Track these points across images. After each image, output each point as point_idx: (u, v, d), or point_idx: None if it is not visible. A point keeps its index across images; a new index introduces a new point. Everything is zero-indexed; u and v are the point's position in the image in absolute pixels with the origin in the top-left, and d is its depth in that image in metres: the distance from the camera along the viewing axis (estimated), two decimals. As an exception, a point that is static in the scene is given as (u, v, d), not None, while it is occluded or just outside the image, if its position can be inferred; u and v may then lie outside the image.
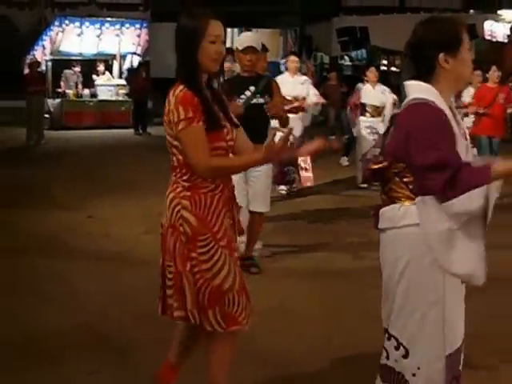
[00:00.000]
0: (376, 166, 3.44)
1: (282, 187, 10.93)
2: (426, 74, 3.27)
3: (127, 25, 22.25)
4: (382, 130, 11.04)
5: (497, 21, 24.77)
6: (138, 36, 22.25)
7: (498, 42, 24.18)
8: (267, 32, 28.54)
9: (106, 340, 5.26)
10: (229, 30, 27.69)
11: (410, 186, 3.28)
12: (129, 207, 9.73)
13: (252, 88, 6.65)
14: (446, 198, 3.12)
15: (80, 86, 21.35)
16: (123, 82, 21.85)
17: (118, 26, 22.07)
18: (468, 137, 3.35)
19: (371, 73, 11.62)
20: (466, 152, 3.24)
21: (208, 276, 3.54)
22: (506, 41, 23.63)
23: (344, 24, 23.50)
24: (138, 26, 22.23)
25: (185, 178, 3.58)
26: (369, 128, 11.36)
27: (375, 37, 23.02)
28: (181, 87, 3.49)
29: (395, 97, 11.26)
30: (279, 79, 11.23)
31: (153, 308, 3.90)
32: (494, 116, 10.92)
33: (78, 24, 21.70)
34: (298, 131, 10.51)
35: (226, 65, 9.81)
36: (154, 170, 11.88)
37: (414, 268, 3.29)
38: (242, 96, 6.59)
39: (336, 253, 7.64)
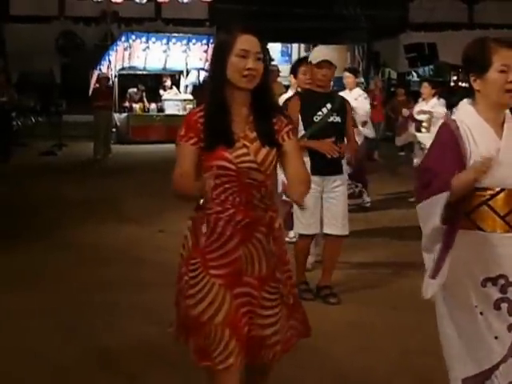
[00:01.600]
0: None
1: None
2: (471, 92, 3.41)
3: (194, 40, 22.30)
4: (428, 144, 10.85)
5: None
6: (205, 51, 22.25)
7: None
8: (334, 48, 28.43)
9: (186, 355, 5.12)
10: (295, 45, 27.79)
11: None
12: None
13: (328, 105, 6.27)
14: (417, 200, 3.35)
15: (146, 102, 21.47)
16: (190, 96, 21.87)
17: (184, 42, 22.14)
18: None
19: (424, 88, 11.41)
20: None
21: (191, 302, 3.35)
22: None
23: (411, 40, 23.28)
24: (204, 41, 22.20)
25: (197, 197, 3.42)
26: (419, 143, 11.26)
27: (444, 53, 22.72)
28: (200, 106, 3.46)
29: (444, 110, 11.00)
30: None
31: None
32: None
33: (144, 39, 21.85)
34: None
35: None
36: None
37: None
38: (319, 113, 6.24)
39: (410, 268, 7.28)
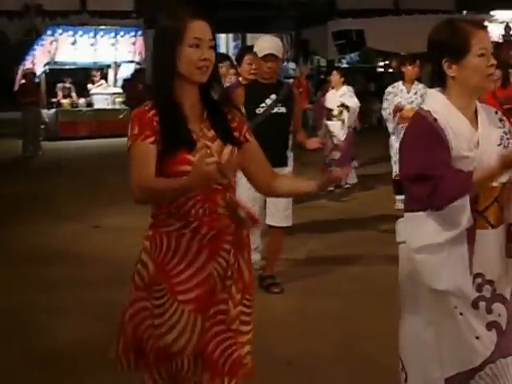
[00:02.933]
0: (398, 178, 3.32)
1: None
2: (439, 80, 3.15)
3: (122, 33, 22.05)
4: (340, 134, 11.07)
5: (491, 21, 24.70)
6: (134, 44, 22.07)
7: (493, 42, 24.12)
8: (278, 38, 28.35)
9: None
10: (223, 35, 27.65)
11: None
12: (136, 215, 9.36)
13: (273, 96, 6.21)
14: (432, 209, 3.00)
15: (75, 96, 21.16)
16: (119, 90, 21.64)
17: (112, 35, 21.88)
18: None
19: (334, 76, 11.47)
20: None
21: (157, 333, 2.96)
22: (501, 41, 23.56)
23: (339, 27, 23.39)
24: (132, 33, 22.01)
25: (152, 212, 3.04)
26: (329, 132, 11.27)
27: (371, 39, 22.93)
28: (148, 102, 2.99)
29: (356, 100, 11.20)
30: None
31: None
32: None
33: (71, 33, 21.53)
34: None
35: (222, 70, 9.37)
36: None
37: (409, 288, 3.20)
38: (262, 104, 6.18)
39: (349, 258, 7.51)
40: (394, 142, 9.25)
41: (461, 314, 3.08)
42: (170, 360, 2.97)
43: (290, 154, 6.42)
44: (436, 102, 3.12)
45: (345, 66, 25.36)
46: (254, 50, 6.42)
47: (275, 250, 6.53)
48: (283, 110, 6.24)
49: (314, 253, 7.76)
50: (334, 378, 4.70)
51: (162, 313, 2.95)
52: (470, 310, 3.08)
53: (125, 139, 3.01)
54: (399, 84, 9.44)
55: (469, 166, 3.00)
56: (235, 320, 3.05)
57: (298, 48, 26.64)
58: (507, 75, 11.29)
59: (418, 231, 3.08)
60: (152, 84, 3.05)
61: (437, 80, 3.17)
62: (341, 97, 11.22)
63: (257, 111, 6.09)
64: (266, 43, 6.36)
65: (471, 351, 3.09)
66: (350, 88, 11.45)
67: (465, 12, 25.45)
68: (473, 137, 3.07)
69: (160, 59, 2.99)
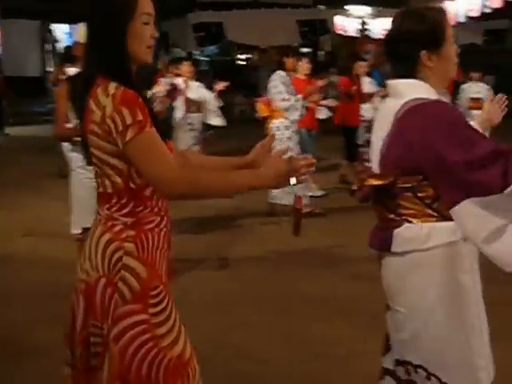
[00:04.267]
0: (379, 183, 2.92)
1: None
2: (407, 72, 2.91)
3: (-22, 21, 21.31)
4: (200, 127, 10.78)
5: (347, 16, 25.36)
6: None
7: (349, 36, 24.80)
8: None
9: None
10: (80, 25, 27.08)
11: (427, 201, 2.85)
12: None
13: None
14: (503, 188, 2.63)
15: None
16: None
17: (-33, 23, 21.12)
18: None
19: (184, 66, 11.25)
20: None
21: (164, 344, 2.62)
22: (358, 35, 24.24)
23: (199, 19, 23.42)
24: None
25: (126, 210, 2.63)
26: (189, 124, 10.79)
27: (230, 32, 23.09)
28: (114, 84, 2.55)
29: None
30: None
31: (46, 310, 3.60)
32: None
33: None
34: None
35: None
36: (23, 171, 11.54)
37: (450, 292, 2.88)
38: None
39: (224, 253, 7.62)
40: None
41: None
42: (184, 369, 2.69)
43: None
44: (430, 93, 2.86)
45: (205, 58, 25.46)
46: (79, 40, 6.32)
47: None
48: None
49: (191, 249, 7.77)
50: (208, 368, 4.71)
51: (164, 320, 2.65)
52: None
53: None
54: (284, 74, 9.17)
55: None
56: None
57: (157, 40, 26.45)
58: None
59: (472, 222, 2.73)
60: (105, 68, 2.62)
61: (406, 71, 2.92)
62: (197, 88, 11.13)
63: None
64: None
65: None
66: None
67: (321, 6, 25.95)
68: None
69: (110, 39, 2.62)
